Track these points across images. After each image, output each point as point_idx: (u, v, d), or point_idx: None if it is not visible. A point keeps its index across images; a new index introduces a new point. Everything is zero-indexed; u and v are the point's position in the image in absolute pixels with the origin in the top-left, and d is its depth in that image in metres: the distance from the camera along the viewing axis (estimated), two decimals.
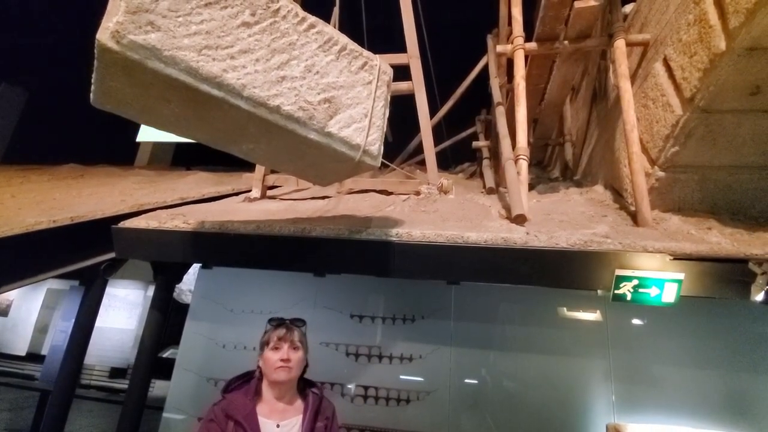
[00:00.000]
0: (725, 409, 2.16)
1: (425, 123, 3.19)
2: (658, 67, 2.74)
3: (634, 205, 2.56)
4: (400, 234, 2.17)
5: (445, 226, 2.34)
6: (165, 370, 3.03)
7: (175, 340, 3.28)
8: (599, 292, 2.48)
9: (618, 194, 3.23)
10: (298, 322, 1.70)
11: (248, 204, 3.49)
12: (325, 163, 1.87)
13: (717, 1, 2.13)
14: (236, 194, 4.09)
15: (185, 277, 3.28)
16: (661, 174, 2.68)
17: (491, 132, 5.98)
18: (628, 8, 3.35)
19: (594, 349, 2.38)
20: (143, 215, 2.74)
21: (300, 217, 2.72)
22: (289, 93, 1.55)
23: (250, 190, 3.67)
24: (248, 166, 3.83)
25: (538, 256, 2.03)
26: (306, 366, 1.67)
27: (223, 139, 1.77)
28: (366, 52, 1.84)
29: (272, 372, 1.56)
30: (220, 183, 4.99)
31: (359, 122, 1.77)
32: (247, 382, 1.65)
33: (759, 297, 1.78)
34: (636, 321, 2.49)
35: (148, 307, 2.87)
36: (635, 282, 1.90)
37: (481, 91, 6.12)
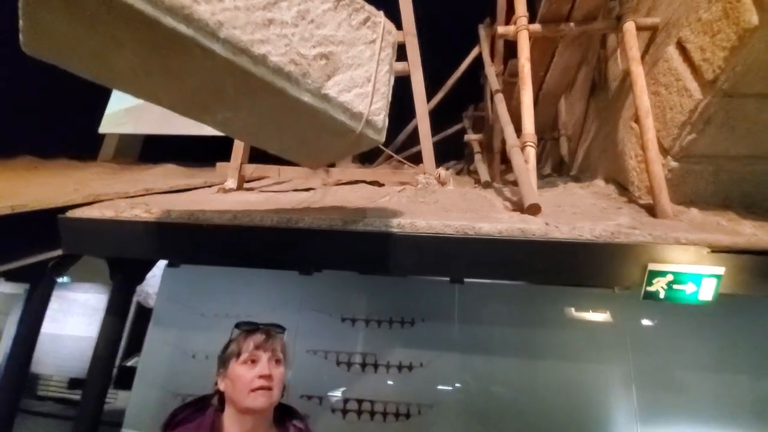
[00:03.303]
0: (755, 415, 1.99)
1: (422, 108, 2.92)
2: (671, 51, 2.58)
3: (652, 196, 2.37)
4: (403, 225, 1.89)
5: (449, 217, 2.07)
6: (129, 379, 2.65)
7: (138, 347, 2.90)
8: (616, 290, 2.27)
9: (623, 188, 3.06)
10: (278, 329, 1.29)
11: (222, 195, 3.13)
12: (319, 136, 1.57)
13: None
14: (209, 186, 3.72)
15: (151, 278, 2.89)
16: (674, 164, 2.51)
17: (482, 126, 5.80)
18: None
19: (613, 352, 2.17)
20: (97, 204, 2.35)
21: (284, 208, 2.40)
22: (277, 41, 1.24)
23: (224, 181, 3.32)
24: (225, 160, 3.47)
25: (560, 250, 1.79)
26: (284, 388, 1.23)
27: (195, 102, 1.44)
28: (369, 6, 1.55)
29: (245, 396, 1.12)
30: (191, 176, 4.58)
31: (361, 87, 1.48)
32: (201, 412, 1.20)
33: None
34: (656, 321, 2.29)
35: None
36: (669, 278, 1.68)
37: (466, 87, 5.95)
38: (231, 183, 3.32)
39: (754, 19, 1.89)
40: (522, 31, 2.84)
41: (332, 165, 3.44)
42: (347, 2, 1.47)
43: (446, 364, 2.23)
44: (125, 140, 8.58)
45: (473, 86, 6.11)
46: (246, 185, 3.50)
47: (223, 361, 1.23)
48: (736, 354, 2.15)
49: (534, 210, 2.06)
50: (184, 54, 1.16)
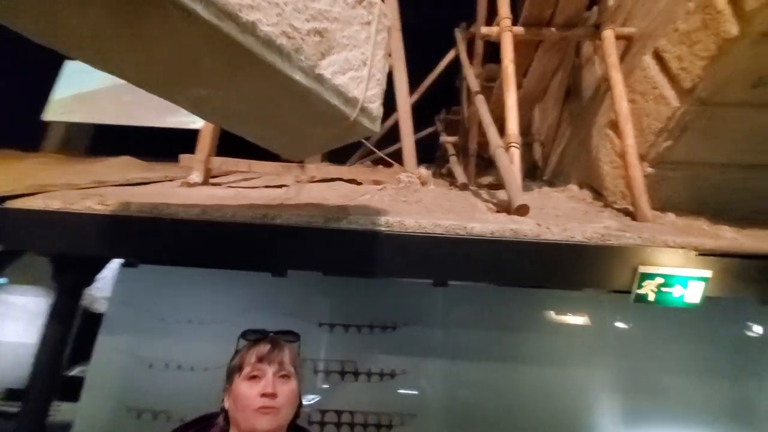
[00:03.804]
0: (734, 417, 2.04)
1: (404, 104, 2.83)
2: (648, 60, 2.64)
3: (632, 200, 2.40)
4: (390, 223, 1.77)
5: (435, 217, 1.98)
6: (72, 390, 2.36)
7: (85, 355, 2.59)
8: (598, 293, 2.27)
9: (597, 193, 3.11)
10: (289, 337, 1.16)
11: (187, 189, 2.88)
12: (307, 123, 1.43)
13: None
14: (170, 180, 3.44)
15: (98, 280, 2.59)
16: (650, 170, 2.57)
17: (455, 130, 5.81)
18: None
19: (597, 356, 2.16)
20: (42, 195, 2.07)
21: (256, 204, 2.22)
22: (269, 9, 1.10)
23: (188, 175, 3.06)
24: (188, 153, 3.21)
25: (552, 251, 1.74)
26: (300, 405, 1.11)
27: (165, 77, 1.26)
28: None
29: (247, 416, 0.99)
30: (149, 169, 4.24)
31: (357, 70, 1.36)
32: None
33: None
34: (638, 324, 2.31)
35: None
36: (659, 280, 1.68)
37: (437, 91, 5.96)
38: (196, 177, 3.08)
39: (734, 29, 1.95)
40: (506, 32, 2.83)
41: (300, 162, 3.25)
42: None
43: (430, 371, 2.14)
44: (73, 130, 7.90)
45: (444, 90, 6.13)
46: (212, 180, 3.26)
47: (228, 375, 1.09)
48: (717, 357, 2.20)
49: (523, 211, 2.01)
50: (159, 15, 0.98)
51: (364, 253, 1.78)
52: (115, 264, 2.66)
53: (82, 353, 2.45)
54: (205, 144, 3.08)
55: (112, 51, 1.15)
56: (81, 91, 5.26)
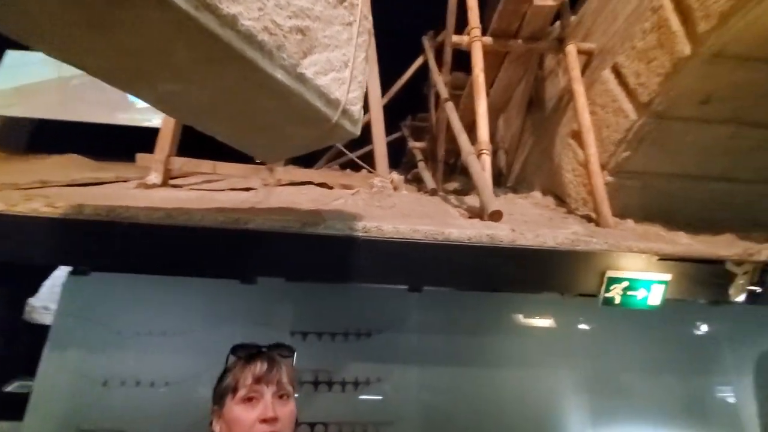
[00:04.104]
0: (690, 413, 2.17)
1: (376, 108, 2.82)
2: (607, 74, 2.80)
3: (594, 207, 2.51)
4: (368, 228, 1.74)
5: (411, 222, 1.98)
6: (11, 407, 2.11)
7: (25, 369, 2.34)
8: (567, 296, 2.35)
9: (560, 200, 3.24)
10: (284, 351, 1.06)
11: (145, 191, 2.70)
12: (286, 124, 1.37)
13: (678, 7, 2.17)
14: (124, 181, 3.21)
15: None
16: (610, 179, 2.71)
17: (421, 136, 5.88)
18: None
19: (565, 358, 2.23)
20: None
21: (225, 207, 2.11)
22: (250, 3, 1.04)
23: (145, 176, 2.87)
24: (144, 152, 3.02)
25: (527, 256, 1.78)
26: (297, 424, 1.03)
27: (131, 69, 1.16)
28: None
29: None
30: (99, 169, 3.93)
31: (339, 72, 1.32)
32: None
33: (739, 297, 1.77)
34: (600, 326, 2.41)
35: None
36: (625, 284, 1.76)
37: (402, 98, 6.02)
38: (154, 178, 2.89)
39: (687, 49, 2.10)
40: (476, 42, 2.89)
41: (262, 163, 3.13)
42: None
43: (406, 378, 2.11)
44: (11, 125, 7.24)
45: (410, 97, 6.19)
46: (171, 182, 3.08)
47: (218, 396, 0.99)
48: (672, 356, 2.34)
49: (496, 216, 2.05)
50: (129, 1, 0.90)
51: (342, 259, 1.74)
52: (61, 272, 2.43)
53: (25, 367, 2.21)
54: (165, 143, 2.91)
55: (73, 39, 1.04)
56: (22, 84, 4.83)
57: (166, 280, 2.29)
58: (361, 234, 1.73)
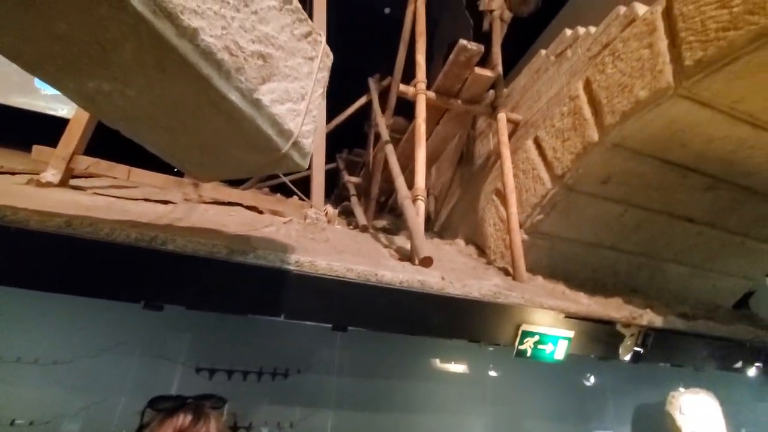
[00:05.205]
0: None
1: (319, 138, 2.81)
2: (530, 144, 3.14)
3: (512, 262, 2.72)
4: (301, 262, 1.68)
5: (345, 259, 1.95)
6: None
7: None
8: (479, 344, 2.45)
9: (481, 250, 3.47)
10: (214, 402, 0.96)
11: (39, 190, 2.34)
12: (232, 146, 1.30)
13: (591, 100, 2.55)
14: (10, 174, 2.75)
15: None
16: (525, 237, 2.98)
17: (355, 170, 5.96)
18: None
19: (478, 404, 2.30)
20: None
21: (139, 221, 1.89)
22: (214, 19, 1.00)
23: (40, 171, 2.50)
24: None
25: (453, 305, 1.84)
26: None
27: (59, 58, 1.02)
28: (312, 23, 1.42)
29: None
30: None
31: (295, 103, 1.31)
32: None
33: (627, 357, 2.00)
34: (510, 374, 2.55)
35: None
36: (536, 338, 1.90)
37: (341, 132, 6.15)
38: (51, 175, 2.52)
39: (595, 136, 2.45)
40: (420, 94, 3.08)
41: (182, 175, 2.90)
42: (293, 8, 1.31)
43: (321, 422, 1.99)
44: None
45: (348, 132, 6.33)
46: (72, 182, 2.70)
47: None
48: (570, 406, 2.53)
49: (427, 262, 2.11)
50: None
51: (268, 292, 1.64)
52: None
53: None
54: (73, 138, 2.57)
55: None
56: None
57: (46, 296, 1.94)
58: (293, 268, 1.66)
